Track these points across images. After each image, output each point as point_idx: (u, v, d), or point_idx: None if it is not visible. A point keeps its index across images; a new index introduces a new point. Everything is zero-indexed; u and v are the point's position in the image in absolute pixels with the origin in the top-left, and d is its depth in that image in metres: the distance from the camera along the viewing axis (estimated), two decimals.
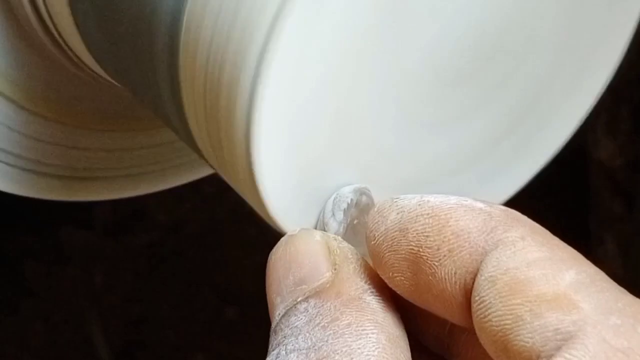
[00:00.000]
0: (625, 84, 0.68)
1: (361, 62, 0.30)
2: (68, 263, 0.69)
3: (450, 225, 0.27)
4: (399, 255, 0.28)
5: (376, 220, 0.29)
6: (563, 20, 0.34)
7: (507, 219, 0.27)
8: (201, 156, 0.34)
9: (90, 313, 0.69)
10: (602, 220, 0.73)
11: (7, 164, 0.43)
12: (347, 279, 0.29)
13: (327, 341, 0.27)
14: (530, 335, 0.25)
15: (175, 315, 0.71)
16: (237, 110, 0.29)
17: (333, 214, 0.32)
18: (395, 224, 0.28)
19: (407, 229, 0.28)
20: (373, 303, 0.28)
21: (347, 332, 0.28)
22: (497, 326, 0.26)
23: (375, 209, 0.29)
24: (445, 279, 0.27)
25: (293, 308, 0.29)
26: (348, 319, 0.28)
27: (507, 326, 0.26)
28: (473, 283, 0.27)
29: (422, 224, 0.28)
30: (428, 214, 0.28)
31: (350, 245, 0.30)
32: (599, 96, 0.37)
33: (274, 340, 0.29)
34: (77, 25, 0.38)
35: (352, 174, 0.32)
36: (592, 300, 0.25)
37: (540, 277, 0.26)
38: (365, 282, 0.29)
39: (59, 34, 0.40)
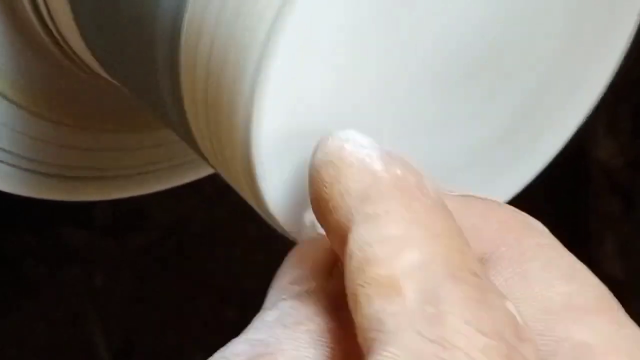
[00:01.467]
0: (625, 84, 0.68)
1: (363, 62, 0.30)
2: (68, 263, 0.69)
3: (340, 182, 0.27)
4: (312, 191, 0.28)
5: (315, 150, 0.28)
6: (564, 20, 0.34)
7: (387, 189, 0.26)
8: (201, 155, 0.34)
9: (90, 313, 0.69)
10: (602, 220, 0.73)
11: (7, 164, 0.43)
12: (332, 291, 0.28)
13: (279, 339, 0.27)
14: (362, 321, 0.25)
15: (176, 315, 0.71)
16: (238, 109, 0.29)
17: None
18: (318, 160, 0.28)
19: (318, 171, 0.28)
20: (345, 320, 0.27)
21: (303, 337, 0.27)
22: (350, 303, 0.25)
23: (321, 139, 0.28)
24: (330, 231, 0.27)
25: (275, 305, 0.28)
26: (310, 326, 0.27)
27: (352, 307, 0.25)
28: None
29: (326, 172, 0.27)
30: (334, 163, 0.27)
31: None
32: (600, 96, 0.37)
33: (245, 330, 0.28)
34: (78, 25, 0.38)
35: None
36: (418, 287, 0.25)
37: (384, 256, 0.25)
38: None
39: (59, 33, 0.40)
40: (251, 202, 0.32)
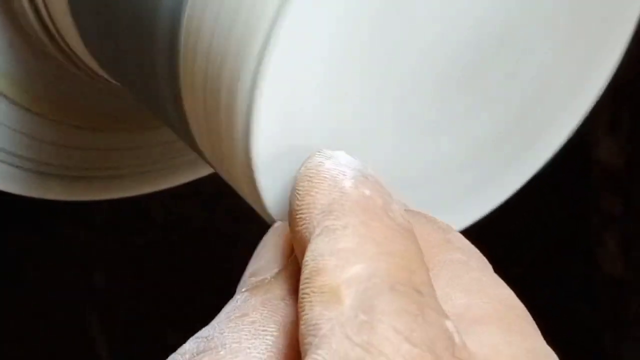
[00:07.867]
0: (625, 84, 0.68)
1: (362, 62, 0.30)
2: (68, 263, 0.69)
3: (310, 195, 0.27)
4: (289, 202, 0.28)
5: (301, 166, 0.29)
6: (563, 20, 0.34)
7: (350, 206, 0.27)
8: (200, 155, 0.34)
9: (90, 313, 0.69)
10: (602, 220, 0.73)
11: (7, 163, 0.43)
12: (284, 279, 0.28)
13: (222, 333, 0.27)
14: (302, 326, 0.25)
15: (176, 314, 0.71)
16: (237, 108, 0.29)
17: None
18: (299, 173, 0.28)
19: (295, 185, 0.28)
20: (293, 307, 0.28)
21: (246, 329, 0.27)
22: (298, 310, 0.26)
23: (309, 155, 0.29)
24: (295, 242, 0.28)
25: (233, 299, 0.29)
26: (255, 317, 0.27)
27: (300, 314, 0.25)
28: None
29: (301, 185, 0.28)
30: (310, 177, 0.28)
31: None
32: (600, 95, 0.37)
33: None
34: (77, 25, 0.38)
35: None
36: (356, 297, 0.25)
37: (332, 267, 0.25)
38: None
39: (59, 33, 0.40)
40: (249, 200, 0.32)
